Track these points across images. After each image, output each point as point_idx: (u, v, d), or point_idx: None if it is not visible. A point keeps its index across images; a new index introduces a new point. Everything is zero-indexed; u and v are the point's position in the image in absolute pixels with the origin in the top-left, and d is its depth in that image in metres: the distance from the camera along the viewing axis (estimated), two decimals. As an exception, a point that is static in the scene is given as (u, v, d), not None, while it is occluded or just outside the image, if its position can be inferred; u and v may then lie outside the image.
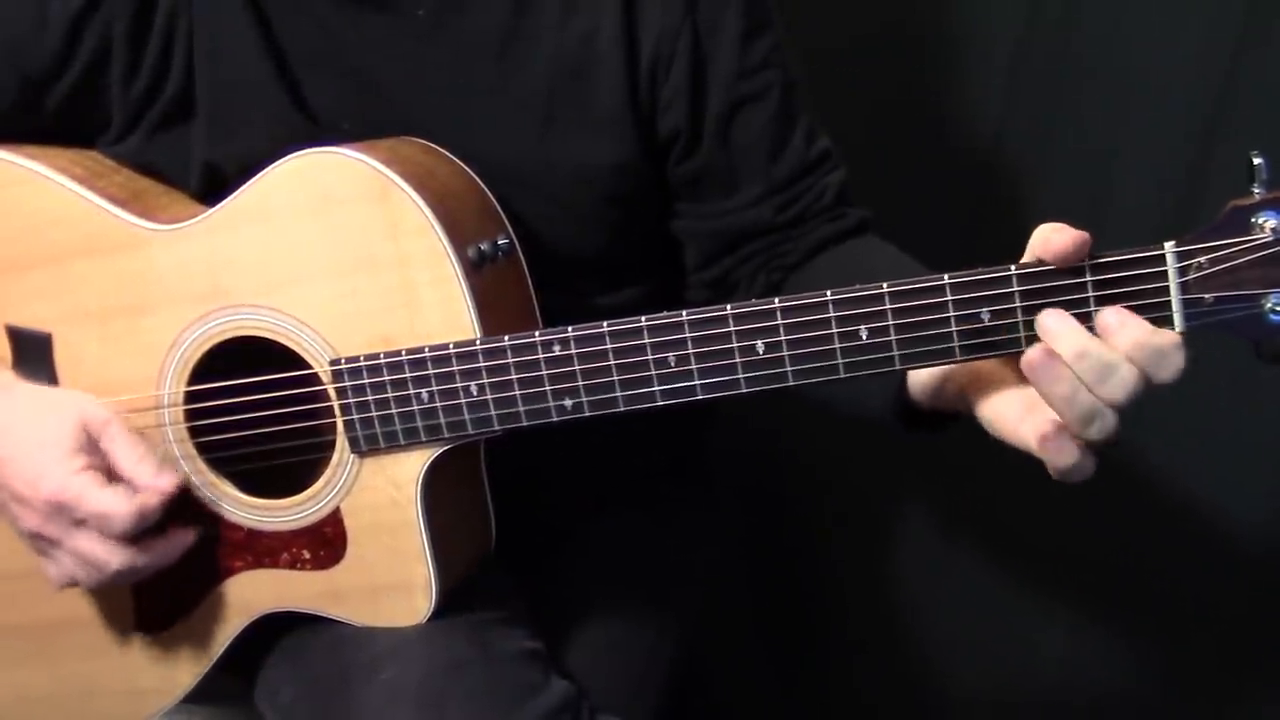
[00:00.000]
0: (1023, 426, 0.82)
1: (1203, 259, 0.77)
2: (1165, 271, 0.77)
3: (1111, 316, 0.77)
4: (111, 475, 0.94)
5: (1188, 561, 1.49)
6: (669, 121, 1.02)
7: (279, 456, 0.97)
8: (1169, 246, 0.77)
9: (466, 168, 0.98)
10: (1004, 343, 0.81)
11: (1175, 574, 1.50)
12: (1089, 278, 0.78)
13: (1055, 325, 0.77)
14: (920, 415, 0.91)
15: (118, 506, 0.91)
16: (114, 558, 0.93)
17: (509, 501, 1.02)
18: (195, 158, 1.00)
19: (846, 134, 1.09)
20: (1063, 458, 0.78)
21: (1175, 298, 0.77)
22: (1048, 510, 1.39)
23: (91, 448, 0.94)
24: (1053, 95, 1.41)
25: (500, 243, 0.95)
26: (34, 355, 1.00)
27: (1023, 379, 0.80)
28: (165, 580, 1.01)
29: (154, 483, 0.93)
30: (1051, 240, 0.77)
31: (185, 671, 1.03)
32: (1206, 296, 0.77)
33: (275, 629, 1.02)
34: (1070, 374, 0.76)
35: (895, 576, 1.62)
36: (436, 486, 0.95)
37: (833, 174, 1.06)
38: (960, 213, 1.45)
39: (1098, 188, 1.42)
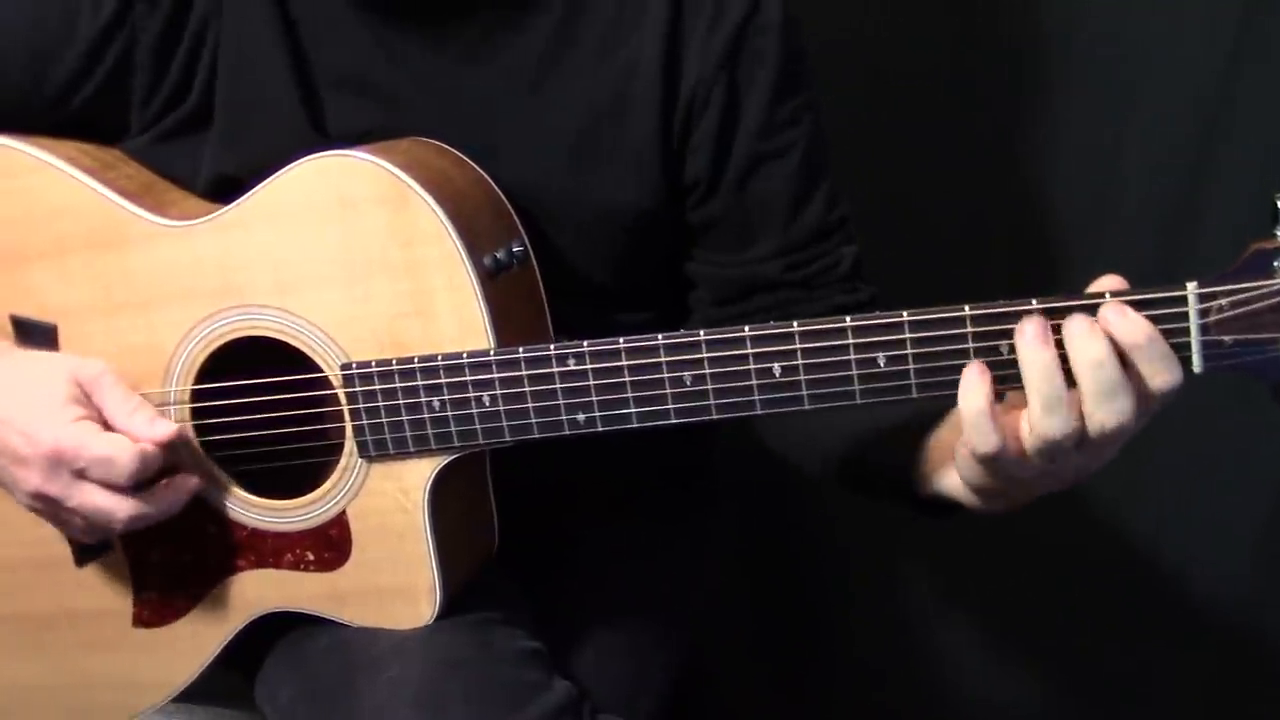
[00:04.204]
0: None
1: (1224, 301, 0.77)
2: (1186, 312, 0.77)
3: (1114, 310, 0.77)
4: (108, 429, 0.93)
5: (1188, 561, 1.51)
6: (692, 168, 1.01)
7: (285, 458, 0.97)
8: (1191, 287, 0.77)
9: (482, 171, 0.97)
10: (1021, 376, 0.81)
11: (1176, 574, 1.51)
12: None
13: (1080, 330, 0.77)
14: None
15: (120, 450, 0.90)
16: (120, 508, 0.91)
17: (512, 505, 1.02)
18: (205, 166, 1.00)
19: (847, 133, 1.09)
20: (987, 439, 0.78)
21: (1195, 339, 0.77)
22: (1050, 512, 1.39)
23: (86, 400, 0.93)
24: (1053, 95, 1.41)
25: (515, 250, 0.94)
26: (38, 346, 0.98)
27: None
28: (167, 576, 1.01)
29: (149, 433, 0.92)
30: None
31: (184, 668, 1.03)
32: (1226, 339, 0.77)
33: (276, 627, 1.02)
34: (1053, 350, 0.76)
35: (897, 579, 1.63)
36: (443, 493, 0.94)
37: (849, 245, 1.06)
38: (960, 213, 1.45)
39: (1097, 188, 1.42)
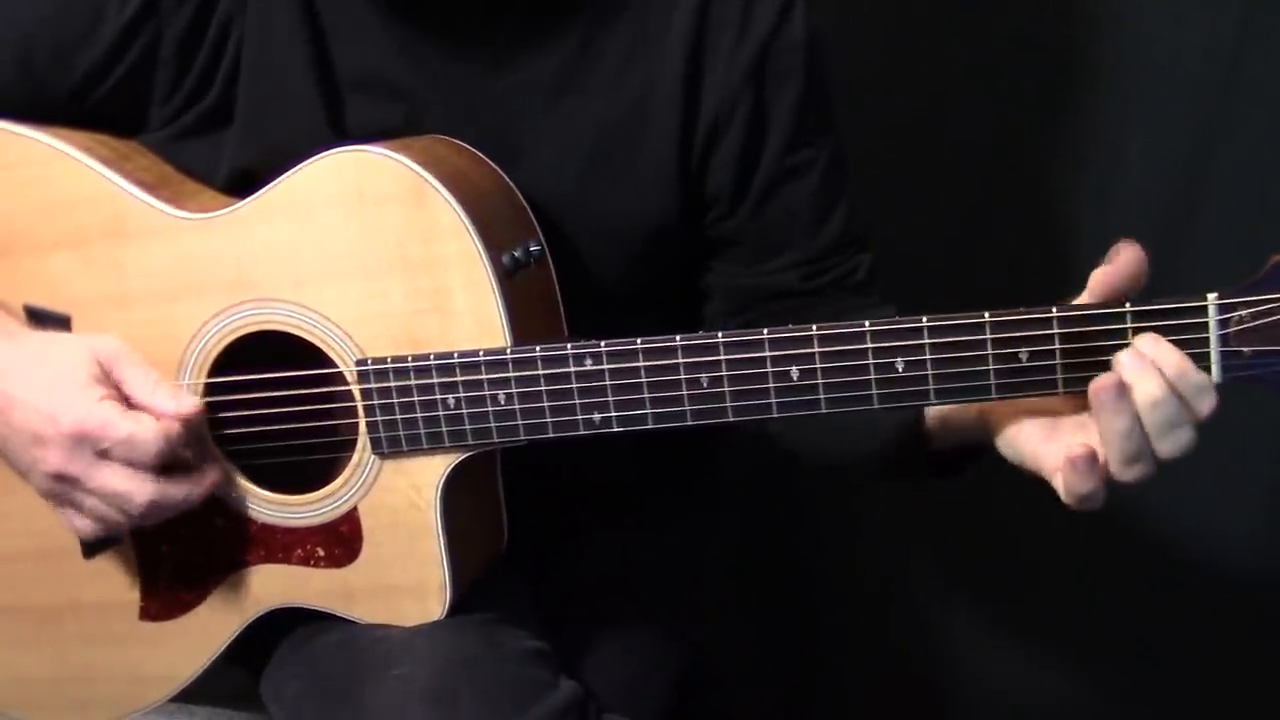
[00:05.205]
0: (1040, 448, 0.84)
1: (1244, 312, 0.77)
2: (1206, 323, 0.78)
3: (1147, 345, 0.78)
4: (129, 406, 0.92)
5: (1189, 561, 1.51)
6: (713, 184, 1.02)
7: (296, 453, 0.96)
8: (1212, 298, 0.78)
9: (498, 169, 0.97)
10: (1039, 383, 0.81)
11: (1177, 575, 1.51)
12: (1130, 325, 0.79)
13: (1135, 369, 0.77)
14: (932, 452, 0.92)
15: (145, 429, 0.89)
16: (141, 490, 0.90)
17: (519, 503, 1.02)
18: (225, 162, 0.99)
19: (845, 134, 1.08)
20: (1085, 484, 0.80)
21: (1215, 349, 0.78)
22: (1053, 513, 1.39)
23: (106, 378, 0.92)
24: (1054, 95, 1.41)
25: (532, 249, 0.95)
26: (52, 336, 0.98)
27: (1046, 405, 0.82)
28: (175, 570, 1.01)
29: (172, 408, 0.91)
30: (1112, 270, 0.79)
31: (190, 662, 1.02)
32: (1245, 350, 0.78)
33: (283, 624, 1.01)
34: (1133, 409, 0.77)
35: (900, 578, 1.62)
36: (455, 491, 0.94)
37: (864, 253, 1.06)
38: (960, 220, 1.45)
39: (1098, 188, 1.42)
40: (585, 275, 1.01)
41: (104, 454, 0.89)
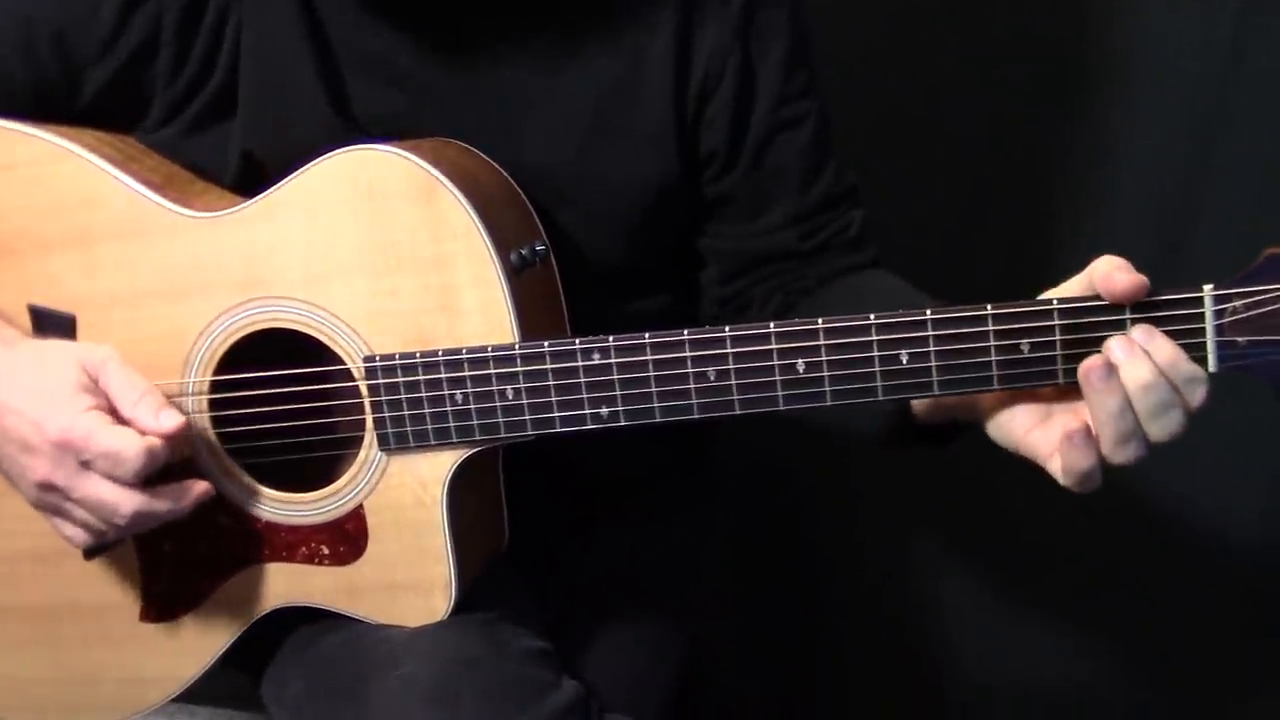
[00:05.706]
0: (1033, 435, 0.86)
1: (1239, 303, 0.79)
2: (1203, 314, 0.80)
3: (1139, 334, 0.80)
4: (117, 417, 0.91)
5: (1188, 561, 1.53)
6: (708, 140, 1.04)
7: (301, 451, 0.97)
8: (1208, 289, 0.80)
9: (504, 172, 0.99)
10: (1041, 374, 0.83)
11: (1176, 574, 1.53)
12: (1128, 315, 0.81)
13: (1125, 354, 0.80)
14: (918, 425, 0.93)
15: (127, 444, 0.88)
16: (124, 502, 0.89)
17: (520, 501, 1.03)
18: (233, 152, 1.00)
19: (845, 133, 1.11)
20: (1083, 460, 0.82)
21: (1211, 339, 0.80)
22: (1054, 501, 1.40)
23: (94, 387, 0.92)
24: (1052, 90, 1.44)
25: (538, 249, 0.96)
26: (55, 337, 0.98)
27: (1037, 393, 0.84)
28: (177, 569, 1.00)
29: (154, 425, 0.90)
30: (1115, 279, 0.79)
31: (191, 663, 1.02)
32: (1240, 340, 0.80)
33: (284, 624, 1.01)
34: (1123, 390, 0.79)
35: (899, 575, 1.63)
36: (460, 488, 0.95)
37: (857, 209, 1.09)
38: (959, 213, 1.47)
39: (1097, 185, 1.45)
40: (586, 249, 1.03)
41: (87, 465, 0.89)
